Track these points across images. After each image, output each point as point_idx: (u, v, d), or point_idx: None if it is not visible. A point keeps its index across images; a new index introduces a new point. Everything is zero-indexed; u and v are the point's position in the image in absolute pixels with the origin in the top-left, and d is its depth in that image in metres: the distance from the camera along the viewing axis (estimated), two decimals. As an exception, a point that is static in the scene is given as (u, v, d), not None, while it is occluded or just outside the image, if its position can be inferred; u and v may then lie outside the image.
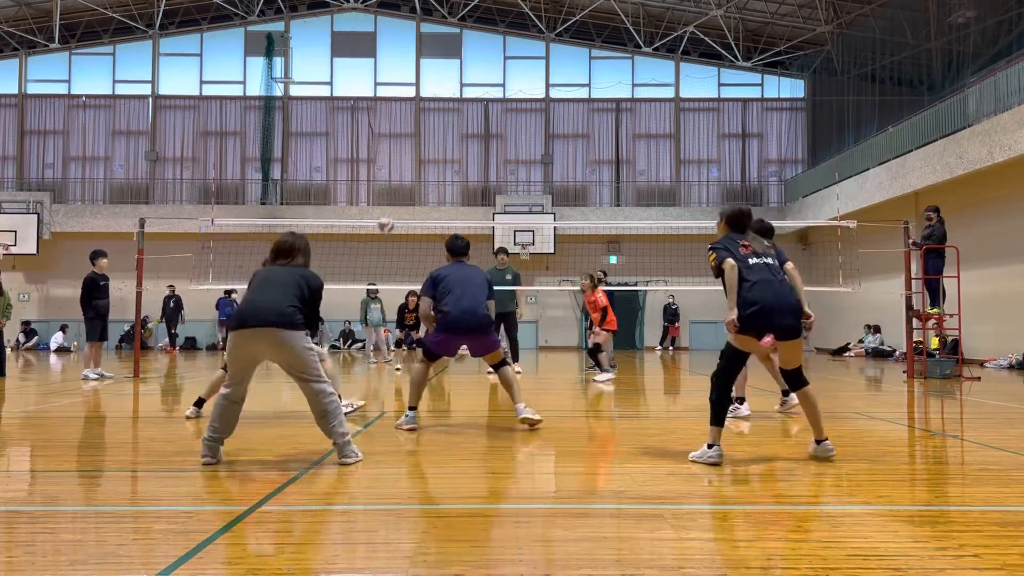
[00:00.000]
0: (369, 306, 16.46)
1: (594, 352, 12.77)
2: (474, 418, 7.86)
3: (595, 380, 12.18)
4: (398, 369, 14.28)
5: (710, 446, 5.17)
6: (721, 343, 5.62)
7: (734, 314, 5.12)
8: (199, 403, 7.51)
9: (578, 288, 15.96)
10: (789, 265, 5.64)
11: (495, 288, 11.91)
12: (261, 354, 5.32)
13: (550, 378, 13.60)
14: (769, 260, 5.34)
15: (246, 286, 5.65)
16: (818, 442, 5.37)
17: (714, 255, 5.34)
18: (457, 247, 7.34)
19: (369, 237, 24.47)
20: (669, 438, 6.39)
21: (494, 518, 3.86)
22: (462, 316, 6.85)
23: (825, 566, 3.05)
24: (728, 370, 5.32)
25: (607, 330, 12.60)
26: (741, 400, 7.65)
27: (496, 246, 25.80)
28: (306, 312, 5.39)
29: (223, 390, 5.31)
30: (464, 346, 7.24)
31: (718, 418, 5.21)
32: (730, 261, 5.22)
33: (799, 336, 5.35)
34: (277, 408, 8.88)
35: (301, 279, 5.48)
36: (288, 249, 5.67)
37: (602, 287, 13.27)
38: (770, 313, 5.13)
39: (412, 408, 6.88)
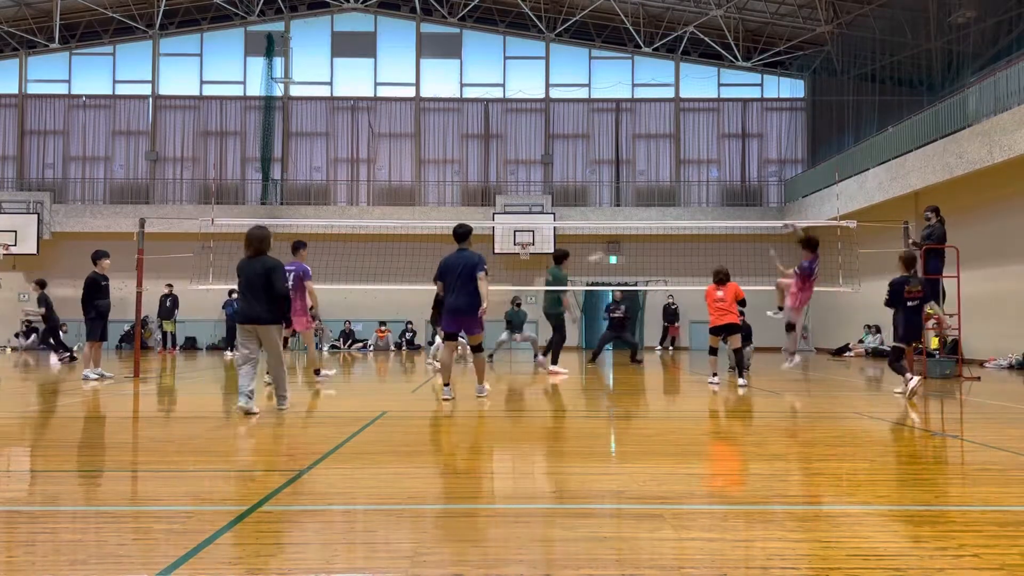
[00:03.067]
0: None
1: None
2: (473, 418, 7.85)
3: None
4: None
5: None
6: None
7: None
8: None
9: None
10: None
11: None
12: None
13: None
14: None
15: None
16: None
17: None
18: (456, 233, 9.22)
19: (369, 237, 24.47)
20: (669, 438, 6.39)
21: (494, 518, 3.86)
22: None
23: (825, 566, 3.05)
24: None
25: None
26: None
27: (496, 245, 25.93)
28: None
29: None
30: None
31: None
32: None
33: None
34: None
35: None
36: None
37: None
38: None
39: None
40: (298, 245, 11.32)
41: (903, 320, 9.90)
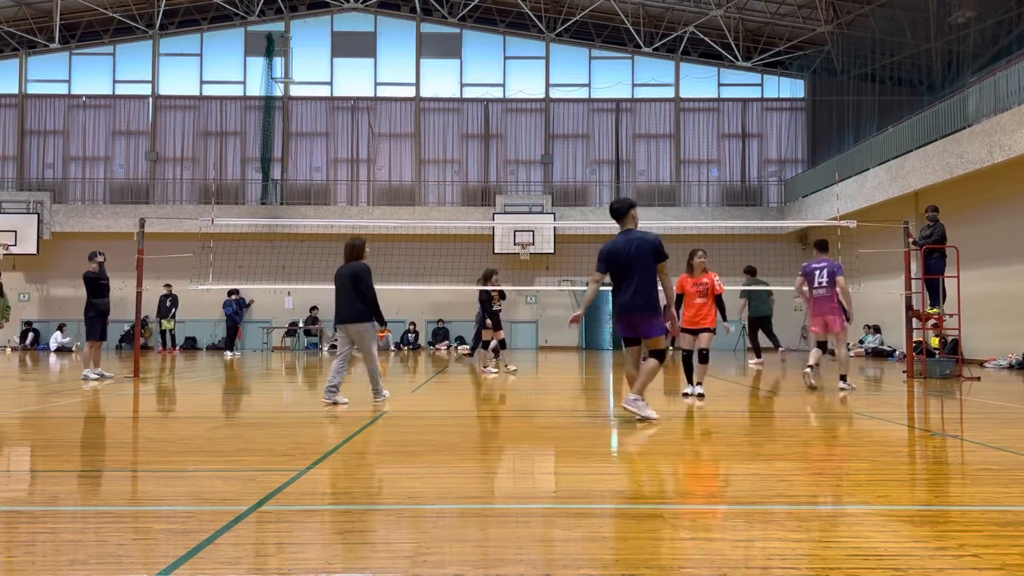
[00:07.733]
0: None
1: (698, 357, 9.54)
2: (474, 418, 7.86)
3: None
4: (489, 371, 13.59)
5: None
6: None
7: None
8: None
9: (578, 288, 15.87)
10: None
11: None
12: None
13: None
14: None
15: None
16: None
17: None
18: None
19: (369, 237, 24.42)
20: (668, 438, 6.39)
21: (494, 518, 3.86)
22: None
23: (825, 566, 3.05)
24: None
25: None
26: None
27: (496, 245, 25.92)
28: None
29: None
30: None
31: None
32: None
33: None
34: (277, 408, 8.88)
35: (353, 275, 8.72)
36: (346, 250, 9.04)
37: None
38: None
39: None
40: (820, 244, 11.34)
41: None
